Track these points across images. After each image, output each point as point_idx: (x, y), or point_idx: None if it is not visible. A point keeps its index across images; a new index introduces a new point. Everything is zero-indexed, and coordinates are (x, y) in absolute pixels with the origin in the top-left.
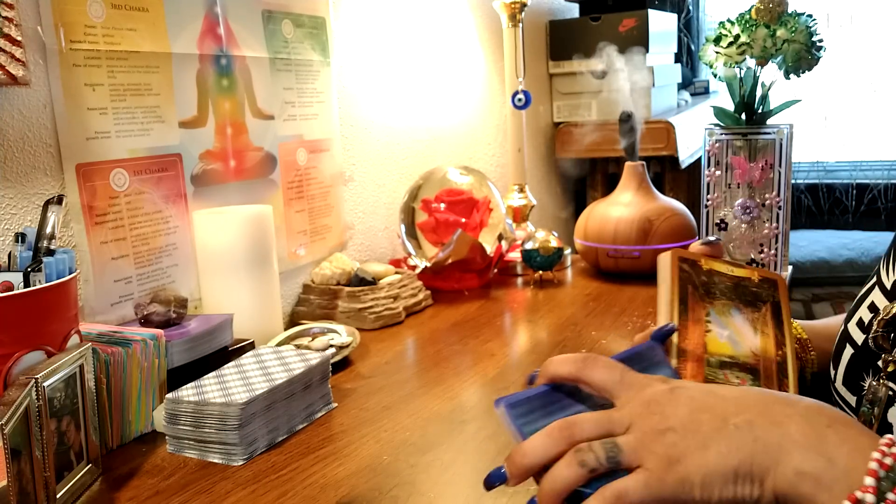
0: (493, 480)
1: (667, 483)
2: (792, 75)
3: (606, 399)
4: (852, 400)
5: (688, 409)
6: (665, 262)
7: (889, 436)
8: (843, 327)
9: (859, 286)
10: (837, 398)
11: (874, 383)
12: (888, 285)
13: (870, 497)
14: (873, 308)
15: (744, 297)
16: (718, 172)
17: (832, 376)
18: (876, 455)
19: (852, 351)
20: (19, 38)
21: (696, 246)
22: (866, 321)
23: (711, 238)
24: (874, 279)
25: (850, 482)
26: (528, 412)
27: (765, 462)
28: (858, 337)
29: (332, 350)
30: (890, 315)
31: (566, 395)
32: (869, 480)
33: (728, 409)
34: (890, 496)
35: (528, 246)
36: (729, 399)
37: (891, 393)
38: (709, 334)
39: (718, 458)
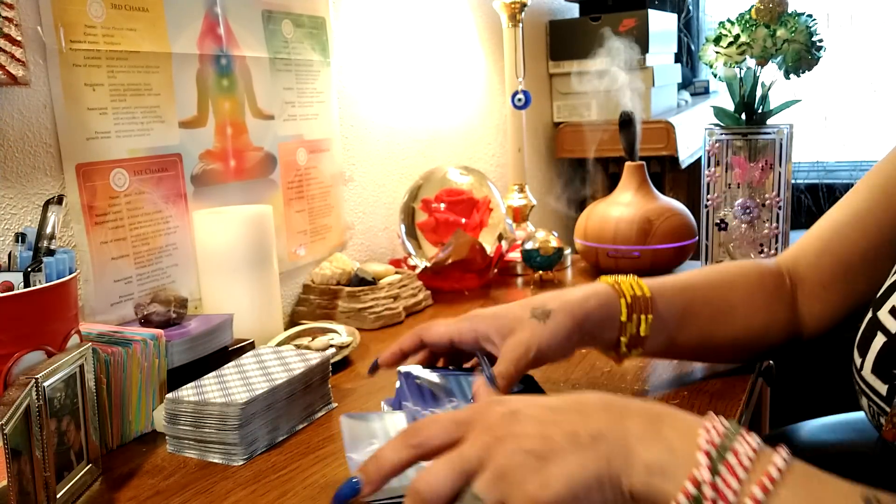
0: (346, 495)
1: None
2: (792, 75)
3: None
4: (883, 388)
5: (536, 430)
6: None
7: (709, 414)
8: (870, 314)
9: None
10: (864, 386)
11: None
12: None
13: (706, 474)
14: None
15: None
16: (718, 172)
17: (858, 364)
18: (703, 434)
19: (884, 339)
20: (19, 38)
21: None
22: None
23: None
24: None
25: (689, 464)
26: None
27: (619, 464)
28: (892, 325)
29: (332, 350)
30: None
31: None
32: (702, 459)
33: (572, 420)
34: (722, 469)
35: (528, 246)
36: (569, 410)
37: None
38: None
39: (581, 470)
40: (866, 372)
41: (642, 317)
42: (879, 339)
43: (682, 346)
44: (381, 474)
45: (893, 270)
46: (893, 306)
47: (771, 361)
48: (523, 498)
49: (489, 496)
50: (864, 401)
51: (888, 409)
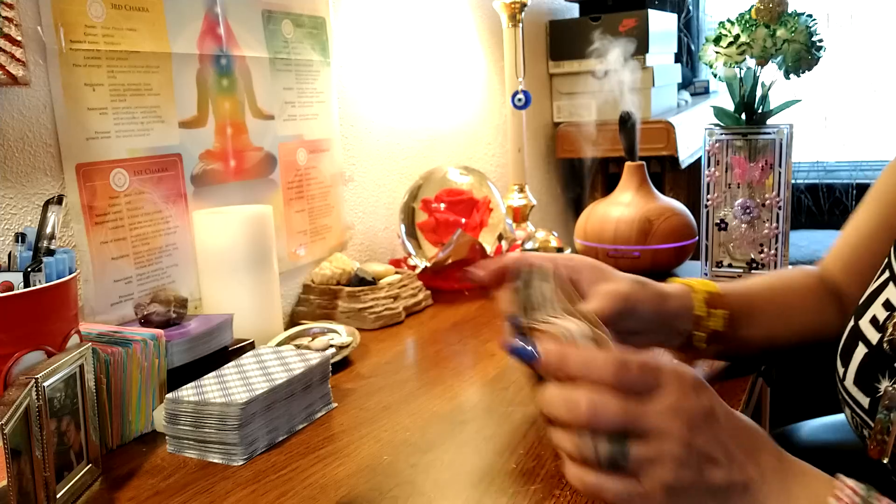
0: (522, 355)
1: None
2: (792, 75)
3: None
4: (865, 401)
5: (708, 449)
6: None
7: (839, 478)
8: (852, 323)
9: None
10: (846, 396)
11: (891, 389)
12: None
13: None
14: (889, 306)
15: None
16: (718, 172)
17: (840, 374)
18: (833, 502)
19: (865, 350)
20: (19, 38)
21: None
22: (881, 319)
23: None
24: (886, 274)
25: None
26: None
27: None
28: (873, 336)
29: (332, 350)
30: None
31: None
32: None
33: (736, 457)
34: None
35: (528, 246)
36: (741, 439)
37: None
38: None
39: None
40: (848, 382)
41: (717, 311)
42: (861, 350)
43: (749, 343)
44: (560, 364)
45: (874, 279)
46: (874, 316)
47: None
48: (643, 496)
49: (629, 462)
50: (847, 411)
51: (871, 423)
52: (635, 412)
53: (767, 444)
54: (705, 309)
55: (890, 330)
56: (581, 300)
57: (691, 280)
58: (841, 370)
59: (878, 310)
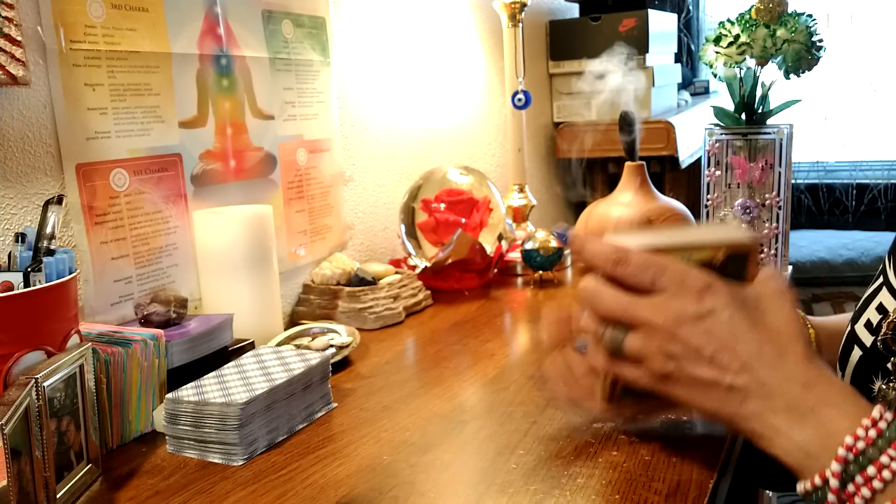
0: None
1: (655, 388)
2: (792, 75)
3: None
4: None
5: (696, 345)
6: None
7: (874, 414)
8: (849, 328)
9: (859, 286)
10: None
11: (884, 387)
12: None
13: (834, 482)
14: (882, 309)
15: None
16: (718, 172)
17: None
18: (848, 440)
19: (860, 353)
20: (19, 38)
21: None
22: (875, 323)
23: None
24: (881, 279)
25: (822, 463)
26: None
27: (742, 423)
28: (867, 339)
29: (332, 350)
30: None
31: None
32: (836, 466)
33: (734, 360)
34: (857, 479)
35: (528, 246)
36: (743, 344)
37: None
38: None
39: (699, 404)
40: None
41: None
42: (856, 353)
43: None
44: (577, 250)
45: (872, 284)
46: (868, 319)
47: None
48: (646, 375)
49: (625, 351)
50: None
51: None
52: (625, 304)
53: (788, 366)
54: None
55: (884, 330)
56: None
57: None
58: (839, 374)
59: (871, 314)
